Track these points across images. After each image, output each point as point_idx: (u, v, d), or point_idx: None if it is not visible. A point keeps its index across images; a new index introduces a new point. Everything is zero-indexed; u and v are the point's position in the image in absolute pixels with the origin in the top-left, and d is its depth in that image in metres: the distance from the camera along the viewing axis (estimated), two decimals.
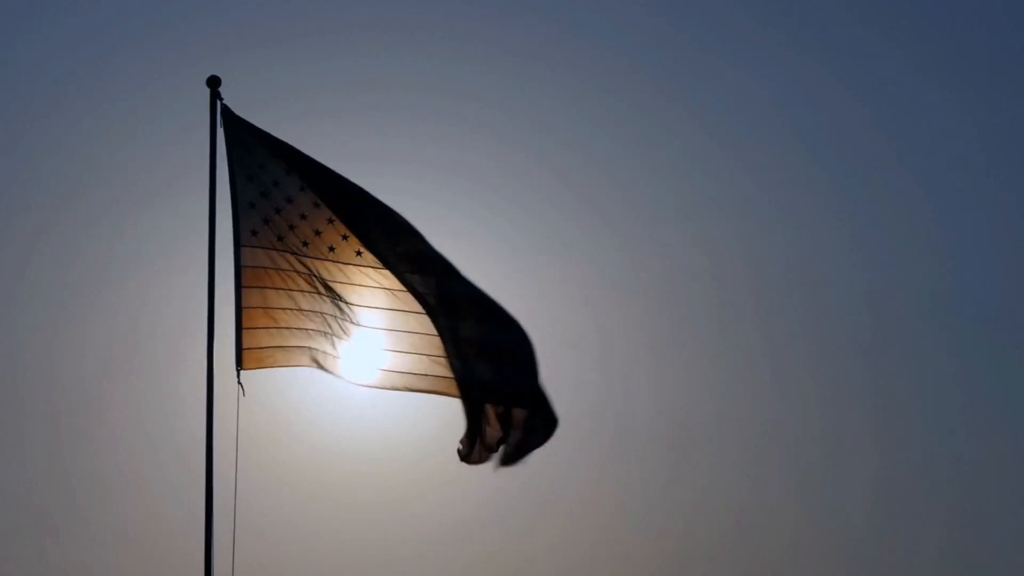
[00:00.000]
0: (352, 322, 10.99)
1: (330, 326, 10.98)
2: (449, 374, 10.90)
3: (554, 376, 19.31)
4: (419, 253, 10.93)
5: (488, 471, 18.85)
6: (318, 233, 11.01)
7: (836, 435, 20.10)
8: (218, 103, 11.18)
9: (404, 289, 10.91)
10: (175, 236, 18.60)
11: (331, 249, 10.99)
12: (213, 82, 11.22)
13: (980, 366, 20.59)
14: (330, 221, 11.01)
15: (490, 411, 10.92)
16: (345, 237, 10.99)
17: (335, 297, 10.98)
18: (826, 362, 20.52)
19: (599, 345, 20.03)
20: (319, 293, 11.00)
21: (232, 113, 11.15)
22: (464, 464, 11.07)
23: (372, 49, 20.60)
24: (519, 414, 11.01)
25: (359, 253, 11.00)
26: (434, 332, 10.89)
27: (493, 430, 10.97)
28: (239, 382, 10.81)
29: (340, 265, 11.00)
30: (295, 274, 10.98)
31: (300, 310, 10.97)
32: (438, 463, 18.14)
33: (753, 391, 20.17)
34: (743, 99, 21.26)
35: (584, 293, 20.12)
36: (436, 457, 18.09)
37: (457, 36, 20.72)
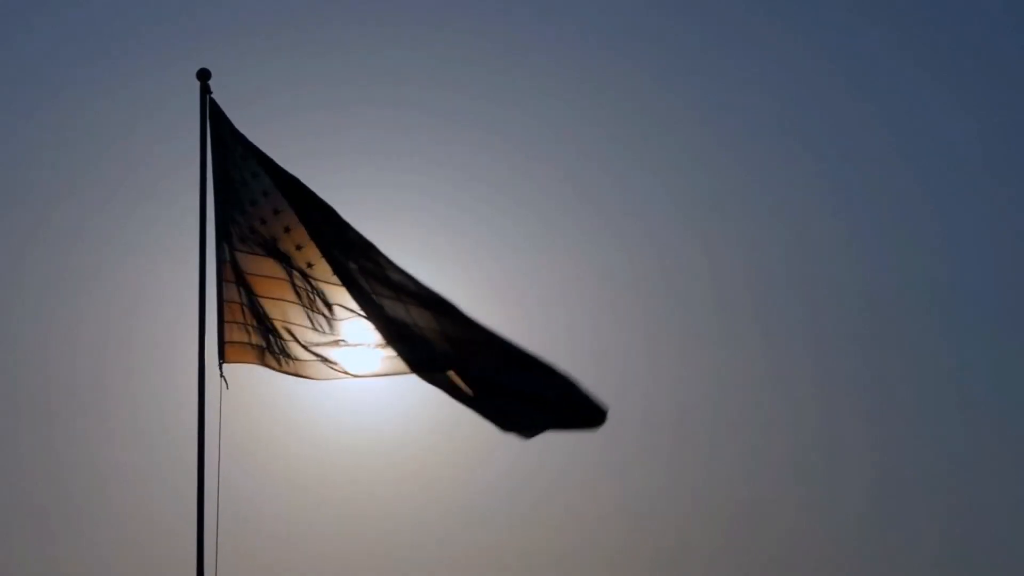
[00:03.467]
0: (332, 317, 11.04)
1: (317, 324, 11.02)
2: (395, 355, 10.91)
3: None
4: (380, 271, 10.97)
5: (483, 466, 18.87)
6: (287, 230, 11.08)
7: (834, 431, 20.13)
8: (208, 96, 11.20)
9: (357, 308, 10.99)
10: (165, 229, 18.65)
11: (298, 248, 11.07)
12: (203, 75, 11.24)
13: (978, 362, 20.61)
14: (287, 230, 11.06)
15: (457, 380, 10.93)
16: (299, 247, 11.05)
17: (308, 291, 11.04)
18: (824, 358, 20.54)
19: (596, 342, 20.03)
20: (299, 287, 11.05)
21: (218, 108, 11.18)
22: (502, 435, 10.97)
23: (366, 43, 20.62)
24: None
25: (310, 265, 11.06)
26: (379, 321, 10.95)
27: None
28: (222, 375, 10.88)
29: (309, 264, 11.08)
30: (271, 278, 11.03)
31: (282, 303, 11.03)
32: (427, 456, 18.21)
33: (751, 387, 20.18)
34: (742, 95, 21.27)
35: (582, 291, 20.13)
36: (425, 450, 18.18)
37: (453, 30, 20.74)
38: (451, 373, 10.83)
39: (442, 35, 20.64)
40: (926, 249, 21.18)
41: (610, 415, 10.63)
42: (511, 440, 10.78)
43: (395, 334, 10.83)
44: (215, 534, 10.61)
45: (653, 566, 19.08)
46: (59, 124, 20.07)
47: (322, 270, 11.00)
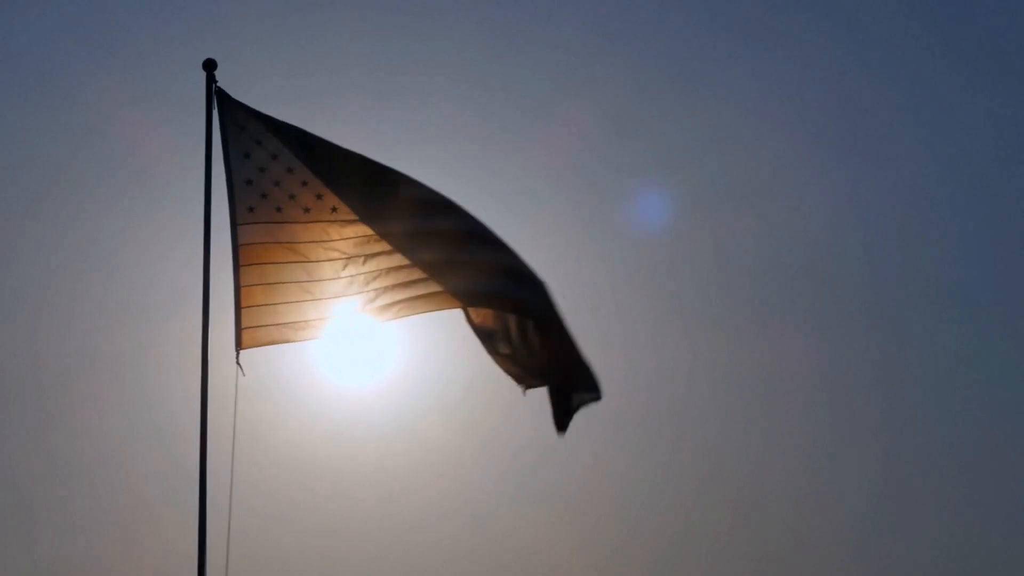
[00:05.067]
0: (359, 273, 11.00)
1: (339, 288, 10.99)
2: (438, 288, 10.92)
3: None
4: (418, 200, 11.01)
5: (485, 465, 18.85)
6: (319, 196, 11.06)
7: (838, 426, 20.14)
8: (214, 86, 11.16)
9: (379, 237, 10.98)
10: (171, 220, 18.59)
11: (333, 210, 11.02)
12: (209, 65, 11.23)
13: (985, 358, 20.61)
14: (326, 186, 11.04)
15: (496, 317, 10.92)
16: (335, 209, 11.01)
17: (340, 256, 10.99)
18: (829, 354, 20.55)
19: (599, 337, 19.96)
20: (321, 260, 11.01)
21: (227, 95, 11.15)
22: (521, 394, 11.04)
23: (371, 31, 20.57)
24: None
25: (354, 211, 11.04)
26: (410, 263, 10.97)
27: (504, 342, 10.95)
28: (238, 363, 10.76)
29: (342, 224, 11.02)
30: (296, 244, 10.99)
31: (299, 282, 10.98)
32: (438, 449, 18.19)
33: (755, 383, 20.18)
34: (748, 88, 21.26)
35: (584, 283, 20.09)
36: (436, 443, 18.16)
37: (460, 18, 20.70)
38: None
39: (450, 25, 20.63)
40: (932, 245, 21.22)
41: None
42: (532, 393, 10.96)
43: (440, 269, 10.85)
44: (227, 522, 10.53)
45: (654, 563, 19.07)
46: (64, 113, 20.05)
47: (353, 228, 11.00)
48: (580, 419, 19.17)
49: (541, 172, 20.53)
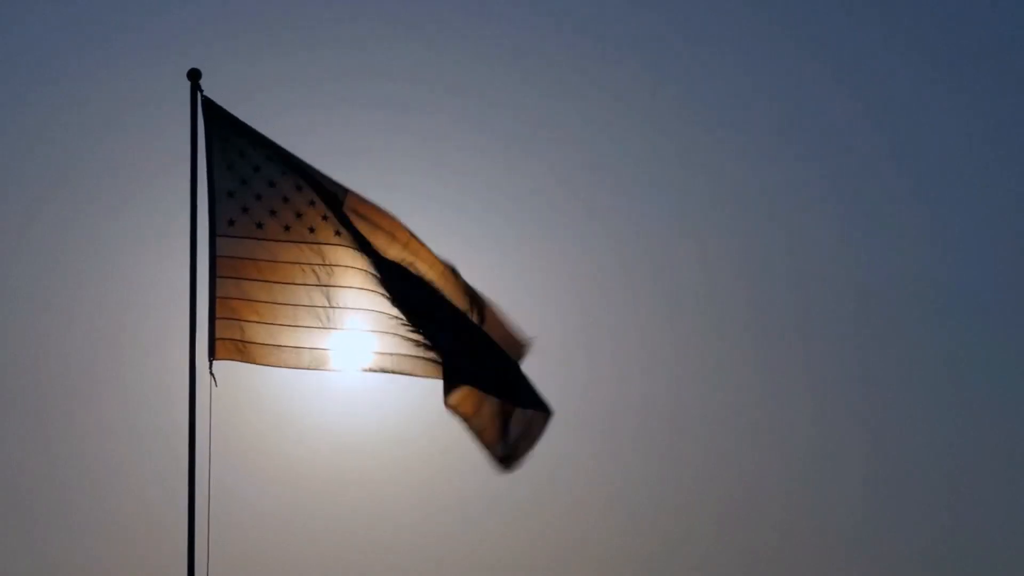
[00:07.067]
0: (335, 307, 11.05)
1: (316, 317, 11.03)
2: (426, 355, 11.01)
3: (544, 370, 19.33)
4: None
5: (474, 465, 18.84)
6: (299, 216, 11.07)
7: (827, 428, 20.13)
8: (199, 95, 11.20)
9: (375, 272, 11.02)
10: (156, 228, 18.60)
11: (311, 231, 11.05)
12: (194, 75, 11.25)
13: (973, 359, 20.58)
14: (311, 203, 11.07)
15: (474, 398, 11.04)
16: (325, 217, 11.05)
17: (318, 283, 11.04)
18: (818, 355, 20.52)
19: (588, 339, 20.02)
20: (301, 284, 11.05)
21: (213, 103, 11.18)
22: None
23: (357, 41, 20.59)
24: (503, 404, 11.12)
25: (337, 233, 11.06)
26: (397, 314, 11.04)
27: (483, 421, 11.10)
28: (211, 372, 10.82)
29: (320, 247, 11.07)
30: (276, 264, 11.03)
31: (278, 303, 11.01)
32: (420, 453, 18.21)
33: (745, 385, 20.17)
34: (734, 90, 21.26)
35: (573, 286, 20.11)
36: (418, 447, 18.18)
37: (445, 27, 20.72)
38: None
39: (434, 33, 20.65)
40: (920, 246, 21.19)
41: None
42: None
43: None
44: (206, 533, 10.59)
45: (649, 563, 19.10)
46: (49, 121, 20.04)
47: (346, 238, 11.07)
48: (577, 421, 19.22)
49: (527, 177, 20.58)
